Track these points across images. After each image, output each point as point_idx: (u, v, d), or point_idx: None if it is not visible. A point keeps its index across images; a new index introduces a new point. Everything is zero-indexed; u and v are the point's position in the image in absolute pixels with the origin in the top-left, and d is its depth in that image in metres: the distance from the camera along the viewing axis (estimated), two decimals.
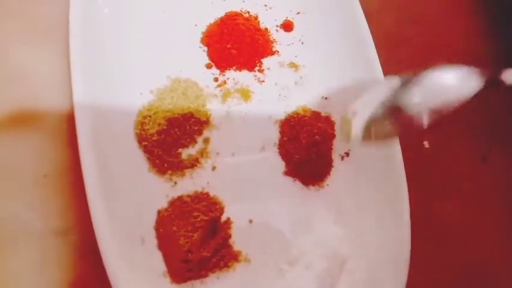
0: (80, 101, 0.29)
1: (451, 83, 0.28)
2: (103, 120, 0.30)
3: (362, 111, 0.31)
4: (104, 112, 0.31)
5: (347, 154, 0.35)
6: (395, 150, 0.33)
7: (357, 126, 0.31)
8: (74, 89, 0.30)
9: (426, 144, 0.39)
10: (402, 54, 0.39)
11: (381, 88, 0.32)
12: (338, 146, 0.35)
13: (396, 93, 0.30)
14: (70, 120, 0.31)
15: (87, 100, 0.30)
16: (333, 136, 0.35)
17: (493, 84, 0.27)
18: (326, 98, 0.37)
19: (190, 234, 0.30)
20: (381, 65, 0.35)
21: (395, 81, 0.31)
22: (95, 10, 0.33)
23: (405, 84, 0.30)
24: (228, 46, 0.35)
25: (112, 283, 0.27)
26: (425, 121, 0.28)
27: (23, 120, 0.32)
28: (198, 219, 0.31)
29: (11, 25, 0.34)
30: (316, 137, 0.34)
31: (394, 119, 0.30)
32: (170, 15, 0.36)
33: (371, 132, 0.31)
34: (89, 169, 0.28)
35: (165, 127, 0.32)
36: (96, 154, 0.29)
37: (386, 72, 0.35)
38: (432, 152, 0.37)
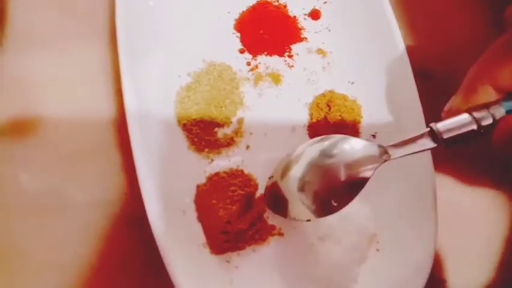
0: (127, 83, 0.31)
1: (359, 149, 0.31)
2: (147, 101, 0.32)
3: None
4: (147, 93, 0.32)
5: (374, 136, 0.37)
6: (420, 129, 0.35)
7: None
8: (122, 73, 0.32)
9: None
10: (427, 39, 0.40)
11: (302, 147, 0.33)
12: (365, 128, 0.37)
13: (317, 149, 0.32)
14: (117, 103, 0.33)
15: (133, 83, 0.32)
16: (359, 118, 0.37)
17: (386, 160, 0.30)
18: (352, 83, 0.38)
19: (229, 206, 0.32)
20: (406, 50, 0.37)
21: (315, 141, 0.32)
22: (139, 2, 0.34)
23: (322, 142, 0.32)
24: (261, 32, 0.37)
25: (162, 252, 0.28)
26: (342, 175, 0.30)
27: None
28: (236, 193, 0.33)
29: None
30: (344, 118, 0.36)
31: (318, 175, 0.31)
32: (206, 4, 0.38)
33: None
34: (137, 146, 0.30)
35: (203, 107, 0.34)
36: (142, 132, 0.30)
37: (411, 57, 0.37)
38: None
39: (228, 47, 0.37)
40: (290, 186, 0.31)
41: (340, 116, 0.36)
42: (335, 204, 0.31)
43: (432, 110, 0.35)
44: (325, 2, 0.40)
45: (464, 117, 0.30)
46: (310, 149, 0.32)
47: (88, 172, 0.33)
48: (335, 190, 0.31)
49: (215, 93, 0.35)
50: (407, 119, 0.36)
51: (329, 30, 0.40)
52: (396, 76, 0.37)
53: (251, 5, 0.39)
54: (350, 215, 0.35)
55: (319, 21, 0.40)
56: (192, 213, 0.32)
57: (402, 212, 0.34)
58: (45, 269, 0.31)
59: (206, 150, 0.34)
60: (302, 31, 0.39)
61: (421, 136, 0.30)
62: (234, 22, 0.38)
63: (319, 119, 0.36)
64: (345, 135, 0.33)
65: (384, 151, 0.30)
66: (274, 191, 0.32)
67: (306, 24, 0.40)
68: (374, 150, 0.31)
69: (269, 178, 0.33)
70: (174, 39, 0.36)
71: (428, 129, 0.30)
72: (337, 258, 0.34)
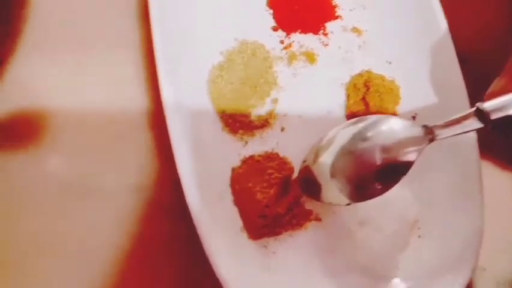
0: (162, 66, 0.30)
1: (399, 130, 0.29)
2: (182, 82, 0.31)
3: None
4: (181, 74, 0.31)
5: (414, 117, 0.35)
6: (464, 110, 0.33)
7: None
8: (156, 53, 0.30)
9: None
10: (462, 22, 0.39)
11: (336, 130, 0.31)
12: (404, 109, 0.35)
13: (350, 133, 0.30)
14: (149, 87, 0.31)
15: (167, 64, 0.31)
16: (398, 99, 0.35)
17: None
18: (389, 63, 0.37)
19: (267, 190, 0.31)
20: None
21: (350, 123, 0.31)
22: None
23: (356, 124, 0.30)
24: (296, 8, 0.35)
25: (201, 237, 0.27)
26: (378, 159, 0.29)
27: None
28: (272, 176, 0.31)
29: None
30: (383, 99, 0.34)
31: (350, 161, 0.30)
32: None
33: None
34: (175, 130, 0.29)
35: (237, 86, 0.33)
36: (178, 115, 0.29)
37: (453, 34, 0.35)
38: None
39: (260, 25, 0.36)
40: (322, 171, 0.30)
41: (379, 96, 0.34)
42: (378, 187, 0.29)
43: (469, 94, 0.34)
44: None
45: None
46: (343, 132, 0.31)
47: (120, 156, 0.32)
48: (372, 175, 0.29)
49: (250, 73, 0.33)
50: (450, 100, 0.34)
51: (364, 8, 0.38)
52: (437, 55, 0.35)
53: None
54: (390, 200, 0.33)
55: None
56: (228, 196, 0.31)
57: (445, 197, 0.33)
58: (79, 254, 0.30)
59: (240, 132, 0.33)
60: (336, 9, 0.37)
61: (467, 116, 0.29)
62: None
63: (356, 99, 0.35)
64: (383, 115, 0.31)
65: (429, 131, 0.29)
66: (308, 175, 0.31)
67: (340, 1, 0.38)
68: (417, 130, 0.29)
69: (302, 162, 0.31)
70: (205, 17, 0.35)
71: (474, 108, 0.29)
72: (377, 244, 0.32)
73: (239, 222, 0.31)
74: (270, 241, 0.31)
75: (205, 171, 0.30)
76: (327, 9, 0.37)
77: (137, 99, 0.33)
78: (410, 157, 0.29)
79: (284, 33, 0.36)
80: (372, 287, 0.31)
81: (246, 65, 0.33)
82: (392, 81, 0.36)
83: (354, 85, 0.35)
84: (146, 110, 0.33)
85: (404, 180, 0.33)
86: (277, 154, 0.33)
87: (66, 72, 0.34)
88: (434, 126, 0.29)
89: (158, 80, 0.30)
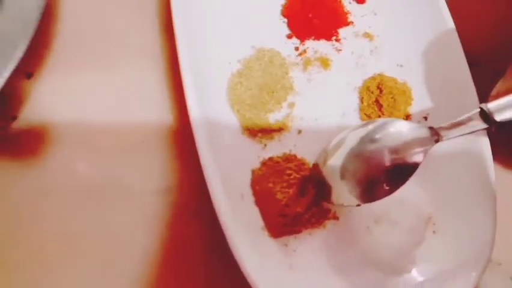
0: (187, 72, 0.32)
1: (406, 131, 0.31)
2: (204, 88, 0.32)
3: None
4: (204, 81, 0.33)
5: (426, 118, 0.36)
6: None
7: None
8: (181, 62, 0.32)
9: None
10: (471, 25, 0.40)
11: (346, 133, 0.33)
12: (416, 110, 0.36)
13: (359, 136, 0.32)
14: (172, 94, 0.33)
15: (192, 74, 0.32)
16: (410, 101, 0.37)
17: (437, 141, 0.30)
18: (401, 66, 0.38)
19: (286, 190, 0.32)
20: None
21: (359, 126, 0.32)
22: None
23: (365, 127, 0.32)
24: (310, 16, 0.37)
25: (227, 237, 0.29)
26: (387, 160, 0.30)
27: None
28: (291, 176, 0.33)
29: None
30: (396, 100, 0.36)
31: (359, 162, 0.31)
32: None
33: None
34: (200, 135, 0.30)
35: (256, 92, 0.34)
36: (203, 120, 0.31)
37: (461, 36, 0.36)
38: None
39: (275, 33, 0.37)
40: (333, 173, 0.31)
41: (392, 98, 0.36)
42: (387, 188, 0.30)
43: (479, 95, 0.35)
44: None
45: None
46: (352, 135, 0.32)
47: (145, 160, 0.33)
48: (380, 175, 0.30)
49: (267, 79, 0.35)
50: (460, 100, 0.35)
51: (375, 14, 0.39)
52: (446, 57, 0.37)
53: None
54: (405, 197, 0.35)
55: (364, 5, 0.40)
56: (249, 197, 0.32)
57: (459, 193, 0.34)
58: (106, 257, 0.31)
59: (259, 135, 0.34)
60: (348, 15, 0.39)
61: (472, 117, 0.30)
62: (281, 8, 0.38)
63: (370, 102, 0.36)
64: (390, 118, 0.33)
65: (434, 132, 0.30)
66: (318, 177, 0.32)
67: (351, 8, 0.39)
68: (423, 132, 0.30)
69: (313, 165, 0.33)
70: (224, 28, 0.36)
71: (479, 110, 0.30)
72: (394, 241, 0.34)
73: (260, 222, 0.32)
74: (290, 240, 0.32)
75: (227, 173, 0.31)
76: (339, 16, 0.38)
77: (161, 106, 0.35)
78: (417, 158, 0.30)
79: (298, 41, 0.37)
80: (389, 282, 0.32)
81: (264, 71, 0.35)
82: (404, 84, 0.37)
83: (368, 88, 0.37)
84: (169, 116, 0.35)
85: (418, 178, 0.34)
86: (295, 156, 0.34)
87: (93, 84, 0.35)
88: (439, 127, 0.30)
89: (184, 89, 0.31)
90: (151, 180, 0.33)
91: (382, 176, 0.30)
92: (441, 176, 0.34)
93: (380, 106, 0.36)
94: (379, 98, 0.36)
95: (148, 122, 0.34)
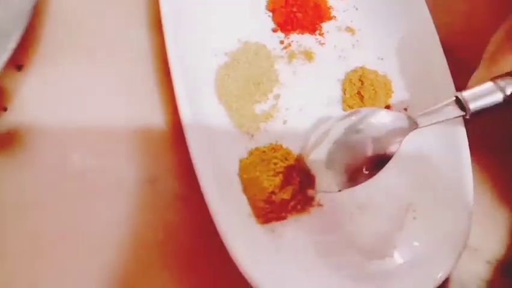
0: (175, 66, 0.33)
1: (387, 121, 0.32)
2: (192, 80, 0.33)
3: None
4: (192, 73, 0.34)
5: (405, 109, 0.38)
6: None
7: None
8: (170, 56, 0.33)
9: None
10: (449, 17, 0.42)
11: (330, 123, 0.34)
12: (396, 102, 0.38)
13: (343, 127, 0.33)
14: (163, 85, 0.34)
15: (180, 68, 0.33)
16: (391, 93, 0.38)
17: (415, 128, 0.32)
18: (381, 59, 0.39)
19: (273, 178, 0.33)
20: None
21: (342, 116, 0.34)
22: None
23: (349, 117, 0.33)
24: (294, 10, 0.38)
25: (217, 223, 0.30)
26: (369, 150, 0.32)
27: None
28: (277, 165, 0.34)
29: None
30: (377, 92, 0.37)
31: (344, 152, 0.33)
32: None
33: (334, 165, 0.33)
34: (190, 124, 0.31)
35: (242, 83, 0.35)
36: (192, 111, 0.32)
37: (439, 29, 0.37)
38: None
39: (261, 27, 0.38)
40: (317, 163, 0.33)
41: (373, 90, 0.37)
42: (366, 173, 0.32)
43: (456, 88, 0.36)
44: None
45: (489, 85, 0.31)
46: (336, 126, 0.33)
47: (134, 151, 0.34)
48: (362, 163, 0.32)
49: (254, 71, 0.36)
50: (438, 91, 0.37)
51: (356, 9, 0.41)
52: (425, 51, 0.38)
53: None
54: (387, 186, 0.36)
55: (346, 1, 0.41)
56: (238, 185, 0.33)
57: (438, 182, 0.35)
58: (98, 247, 0.32)
59: (246, 125, 0.35)
60: (331, 10, 0.40)
61: (447, 105, 0.31)
62: (266, 2, 0.39)
63: (352, 93, 0.37)
64: (374, 108, 0.34)
65: (412, 121, 0.31)
66: (303, 168, 0.34)
67: (334, 3, 0.41)
68: (402, 120, 0.32)
69: (297, 156, 0.34)
70: (211, 22, 0.37)
71: (454, 98, 0.31)
72: (376, 226, 0.35)
73: (248, 209, 0.33)
74: (277, 225, 0.33)
75: (216, 162, 0.32)
76: (322, 11, 0.39)
77: (150, 98, 0.36)
78: (395, 145, 0.32)
79: (283, 34, 0.39)
80: (370, 265, 0.33)
81: (250, 64, 0.36)
82: (385, 76, 0.39)
83: (350, 80, 0.38)
84: (159, 108, 0.35)
85: (399, 168, 0.36)
86: (281, 145, 0.35)
87: (82, 76, 0.36)
88: (417, 115, 0.32)
89: (173, 82, 0.32)
90: (141, 169, 0.34)
91: (364, 163, 0.32)
92: (421, 166, 0.36)
93: (362, 97, 0.37)
94: (361, 89, 0.37)
95: (140, 114, 0.35)
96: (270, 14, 0.39)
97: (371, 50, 0.39)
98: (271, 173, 0.33)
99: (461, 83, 0.36)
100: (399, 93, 0.38)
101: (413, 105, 0.38)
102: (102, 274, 0.32)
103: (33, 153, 0.34)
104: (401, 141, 0.32)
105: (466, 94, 0.31)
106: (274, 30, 0.39)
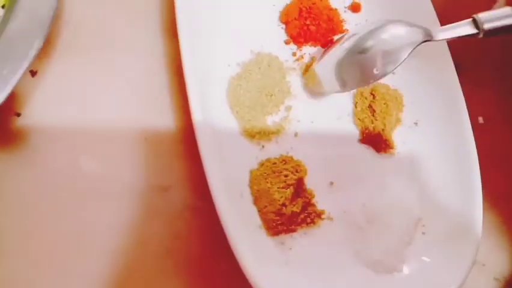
0: (189, 73, 0.33)
1: (400, 34, 0.33)
2: (206, 90, 0.33)
3: (325, 57, 0.36)
4: (206, 83, 0.34)
5: (416, 123, 0.38)
6: (463, 116, 0.36)
7: (322, 73, 0.36)
8: (185, 66, 0.33)
9: (480, 120, 0.41)
10: None
11: (345, 36, 0.36)
12: (407, 116, 0.38)
13: (358, 39, 0.35)
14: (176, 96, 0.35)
15: (194, 77, 0.33)
16: (402, 107, 0.38)
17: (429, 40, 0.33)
18: (393, 73, 0.39)
19: (283, 190, 0.33)
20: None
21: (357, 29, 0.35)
22: (195, 4, 0.36)
23: (364, 31, 0.35)
24: (307, 22, 0.38)
25: (228, 234, 0.30)
26: (380, 62, 0.33)
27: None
28: (288, 177, 0.34)
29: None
30: (389, 106, 0.37)
31: (357, 62, 0.34)
32: None
33: (344, 79, 0.35)
34: (202, 133, 0.31)
35: (255, 94, 0.35)
36: (204, 122, 0.32)
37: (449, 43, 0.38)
38: None
39: (274, 38, 0.39)
40: (328, 68, 0.35)
41: (385, 104, 0.37)
42: (376, 72, 0.33)
43: (467, 101, 0.37)
44: None
45: (506, 10, 0.32)
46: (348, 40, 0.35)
47: (146, 158, 0.34)
48: (372, 67, 0.33)
49: (266, 82, 0.36)
50: (449, 106, 0.37)
51: None
52: (436, 66, 0.38)
53: None
54: (396, 200, 0.36)
55: (359, 14, 0.41)
56: (248, 196, 0.33)
57: (446, 196, 0.35)
58: (104, 252, 0.32)
59: (257, 136, 0.35)
60: (343, 23, 0.40)
61: (464, 24, 0.32)
62: (279, 14, 0.39)
63: (364, 107, 0.38)
64: (393, 20, 0.34)
65: (428, 32, 0.33)
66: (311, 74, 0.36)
67: (346, 16, 0.41)
68: (417, 33, 0.33)
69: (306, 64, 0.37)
70: (224, 32, 0.37)
71: (471, 19, 0.32)
72: (385, 240, 0.35)
73: (258, 220, 0.33)
74: (287, 238, 0.33)
75: (227, 173, 0.32)
76: (335, 24, 0.40)
77: (163, 106, 0.36)
78: (406, 51, 0.33)
79: (296, 46, 0.39)
80: (379, 279, 0.33)
81: (263, 75, 0.36)
82: (396, 90, 0.39)
83: (361, 94, 0.38)
84: (172, 116, 0.35)
85: (408, 182, 0.36)
86: (291, 157, 0.35)
87: (95, 83, 0.36)
88: (433, 29, 0.33)
89: (187, 91, 0.32)
90: (152, 177, 0.34)
91: (373, 67, 0.33)
92: (430, 181, 0.36)
93: (373, 111, 0.37)
94: (372, 103, 0.37)
95: (151, 121, 0.35)
96: (283, 26, 0.39)
97: None
98: (282, 184, 0.33)
99: (468, 98, 0.36)
100: (410, 108, 0.38)
101: (424, 119, 0.38)
102: (109, 280, 0.32)
103: (44, 156, 0.34)
104: (412, 48, 0.32)
105: (482, 16, 0.32)
106: (286, 42, 0.39)
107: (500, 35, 0.32)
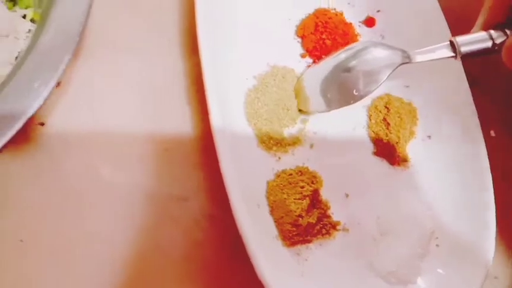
0: (211, 88, 0.33)
1: (380, 56, 0.35)
2: (225, 103, 0.34)
3: (312, 79, 0.37)
4: (225, 96, 0.35)
5: (429, 137, 0.38)
6: (475, 130, 0.37)
7: (311, 92, 0.37)
8: (206, 79, 0.34)
9: (492, 133, 0.41)
10: None
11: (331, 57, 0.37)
12: (421, 129, 0.39)
13: (343, 58, 0.36)
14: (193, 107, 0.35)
15: (214, 90, 0.34)
16: (416, 120, 0.39)
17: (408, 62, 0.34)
18: (407, 86, 0.40)
19: (299, 201, 0.34)
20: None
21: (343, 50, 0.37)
22: (215, 18, 0.37)
23: (348, 52, 0.36)
24: (323, 37, 0.39)
25: (246, 243, 0.30)
26: (362, 81, 0.35)
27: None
28: (304, 188, 0.34)
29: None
30: (403, 119, 0.38)
31: (340, 80, 0.36)
32: (269, 12, 0.40)
33: (328, 98, 0.36)
34: (222, 144, 0.32)
35: (272, 107, 0.36)
36: (224, 131, 0.32)
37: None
38: None
39: (289, 52, 0.39)
40: (313, 85, 0.36)
41: (399, 117, 0.38)
42: (356, 94, 0.35)
43: (479, 114, 0.37)
44: (378, 11, 0.42)
45: (482, 34, 0.33)
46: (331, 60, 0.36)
47: (166, 168, 0.35)
48: (353, 88, 0.35)
49: (282, 95, 0.37)
50: (462, 119, 0.38)
51: (383, 38, 0.42)
52: (450, 79, 0.39)
53: (310, 12, 0.41)
54: (409, 213, 0.37)
55: (373, 29, 0.42)
56: (265, 207, 0.34)
57: (459, 209, 0.36)
58: (121, 258, 0.33)
59: (274, 148, 0.36)
60: (358, 37, 0.41)
61: (442, 47, 0.33)
62: (295, 28, 0.40)
63: (378, 120, 0.38)
64: (370, 42, 0.37)
65: (407, 55, 0.34)
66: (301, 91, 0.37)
67: (361, 30, 0.42)
68: (397, 55, 0.34)
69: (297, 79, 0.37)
70: (242, 46, 0.38)
71: (449, 42, 0.33)
72: (399, 253, 0.35)
73: (274, 231, 0.34)
74: (303, 249, 0.34)
75: (245, 183, 0.33)
76: (350, 38, 0.40)
77: (183, 118, 0.36)
78: (385, 73, 0.34)
79: (311, 60, 0.40)
80: None
81: (278, 87, 0.37)
82: (410, 103, 0.39)
83: (375, 107, 0.39)
84: (191, 127, 0.36)
85: (421, 195, 0.36)
86: (307, 168, 0.36)
87: (118, 94, 0.37)
88: (412, 52, 0.34)
89: (207, 103, 0.33)
90: (171, 186, 0.35)
91: (354, 88, 0.35)
92: (443, 194, 0.36)
93: (388, 124, 0.38)
94: (386, 116, 0.38)
95: (171, 131, 0.36)
96: (299, 40, 0.40)
97: (396, 78, 0.40)
98: (298, 196, 0.34)
99: (483, 112, 0.37)
100: (423, 121, 0.39)
101: (437, 133, 0.39)
102: (125, 286, 0.32)
103: (64, 163, 0.34)
104: (392, 70, 0.34)
105: (459, 39, 0.33)
106: (302, 56, 0.39)
107: (476, 57, 0.33)
